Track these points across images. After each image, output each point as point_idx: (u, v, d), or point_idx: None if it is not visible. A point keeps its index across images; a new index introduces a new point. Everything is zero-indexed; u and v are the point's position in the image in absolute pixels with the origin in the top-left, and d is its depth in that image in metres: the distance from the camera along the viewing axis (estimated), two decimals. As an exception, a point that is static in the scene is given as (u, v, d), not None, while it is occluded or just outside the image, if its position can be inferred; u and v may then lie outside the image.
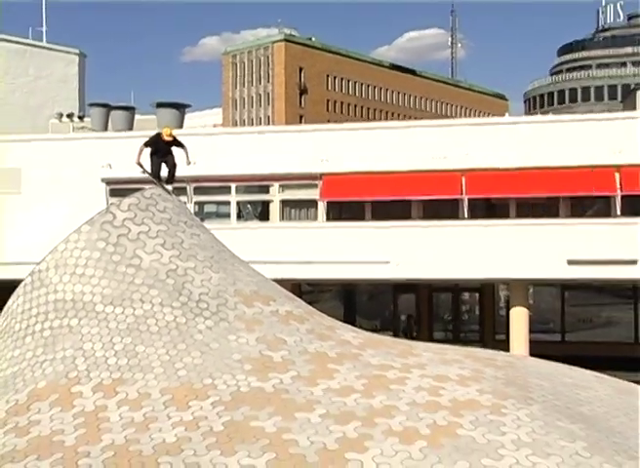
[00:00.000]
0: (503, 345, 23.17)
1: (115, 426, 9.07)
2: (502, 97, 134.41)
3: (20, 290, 11.62)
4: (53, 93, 45.64)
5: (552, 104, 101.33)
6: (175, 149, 13.59)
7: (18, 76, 44.47)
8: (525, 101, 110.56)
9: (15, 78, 44.32)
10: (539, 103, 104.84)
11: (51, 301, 11.20)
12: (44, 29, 48.07)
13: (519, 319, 24.32)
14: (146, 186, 13.42)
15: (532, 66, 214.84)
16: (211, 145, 25.31)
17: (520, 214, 24.03)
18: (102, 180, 25.63)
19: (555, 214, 23.62)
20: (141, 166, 13.41)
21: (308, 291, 30.39)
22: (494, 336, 28.77)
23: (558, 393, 10.05)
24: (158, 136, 13.41)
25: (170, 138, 13.34)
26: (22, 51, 45.15)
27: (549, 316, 29.89)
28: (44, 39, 47.64)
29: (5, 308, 11.73)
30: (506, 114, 42.74)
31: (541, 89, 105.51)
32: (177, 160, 13.60)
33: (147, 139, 13.45)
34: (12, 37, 45.12)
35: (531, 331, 24.64)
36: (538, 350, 22.12)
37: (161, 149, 13.34)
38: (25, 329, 11.11)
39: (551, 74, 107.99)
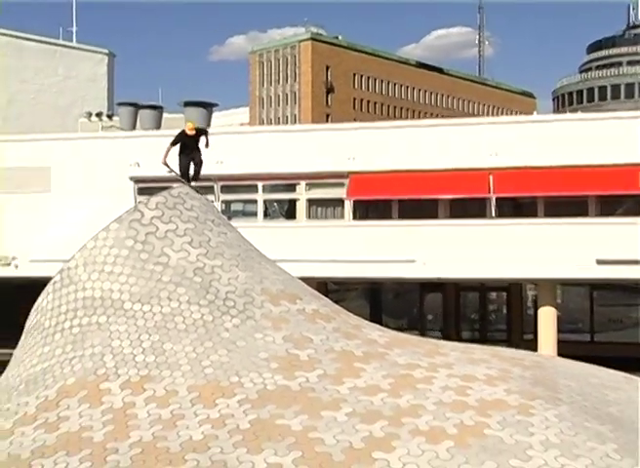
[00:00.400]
0: (531, 345, 23.00)
1: (143, 423, 9.12)
2: (530, 96, 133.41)
3: (49, 287, 11.73)
4: (82, 92, 46.06)
5: (581, 102, 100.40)
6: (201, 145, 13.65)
7: (48, 76, 44.94)
8: (553, 99, 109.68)
9: (45, 78, 44.79)
10: (567, 101, 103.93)
11: (80, 299, 11.30)
12: (74, 29, 48.56)
13: (547, 319, 24.13)
14: (174, 185, 13.51)
15: (560, 64, 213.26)
16: (238, 144, 25.40)
17: (548, 214, 23.84)
18: (131, 179, 25.82)
19: (584, 213, 23.40)
20: (168, 165, 13.50)
21: (334, 289, 30.38)
22: (521, 336, 28.57)
23: (586, 394, 9.95)
24: (182, 132, 13.50)
25: (193, 132, 13.41)
26: (52, 51, 45.62)
27: (578, 316, 29.61)
28: (74, 39, 48.11)
29: (35, 305, 11.85)
30: (534, 112, 42.49)
31: (570, 86, 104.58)
32: (204, 157, 13.66)
33: (173, 138, 13.53)
34: (42, 37, 45.61)
35: (559, 331, 24.44)
36: (566, 350, 21.91)
37: (187, 146, 13.42)
38: (55, 326, 11.21)
39: (580, 72, 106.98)
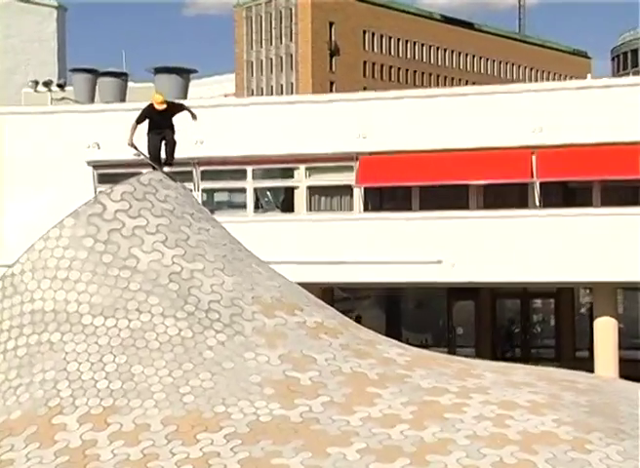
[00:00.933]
0: (586, 364, 22.98)
1: (107, 466, 9.15)
2: (584, 55, 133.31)
3: (-11, 298, 11.77)
4: (25, 55, 46.05)
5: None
6: (175, 120, 13.64)
7: (-19, 36, 44.96)
8: (612, 59, 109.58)
9: (-23, 38, 44.81)
10: (630, 61, 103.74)
11: (27, 312, 11.32)
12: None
13: (606, 332, 24.14)
14: (143, 170, 13.52)
15: (622, 15, 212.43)
16: (221, 120, 25.41)
17: (606, 202, 23.84)
18: (89, 164, 25.85)
19: (650, 201, 23.41)
20: (135, 147, 13.50)
21: (342, 297, 30.41)
22: (574, 353, 28.56)
23: (656, 424, 9.98)
24: (150, 106, 13.45)
25: (163, 106, 13.34)
26: (-13, 4, 45.58)
27: (644, 328, 29.61)
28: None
29: (-28, 321, 11.88)
30: (588, 76, 42.37)
31: (634, 43, 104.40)
32: (177, 136, 13.66)
33: (139, 114, 13.53)
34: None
35: (620, 347, 24.46)
36: (629, 370, 21.92)
37: (156, 123, 13.38)
38: (-3, 346, 11.25)
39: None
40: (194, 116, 13.68)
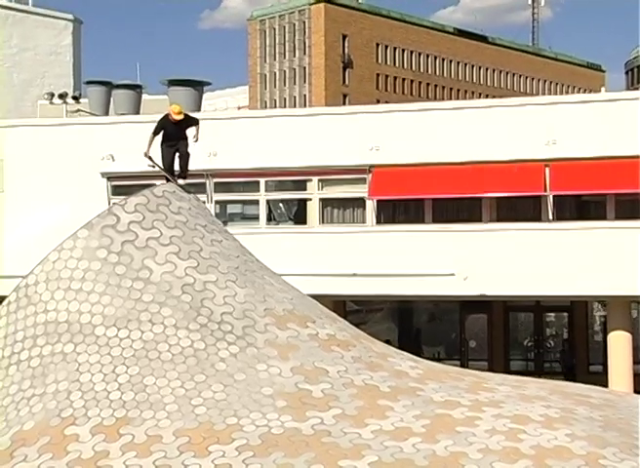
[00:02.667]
0: (600, 378, 22.86)
1: (119, 476, 9.16)
2: (598, 68, 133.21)
3: (2, 309, 11.79)
4: (41, 68, 46.30)
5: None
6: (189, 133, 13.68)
7: (-2, 48, 45.23)
8: (627, 72, 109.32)
9: (-6, 50, 45.09)
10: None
11: (40, 323, 11.34)
12: (30, -10, 48.77)
13: (620, 346, 24.02)
14: (157, 182, 13.55)
15: (636, 28, 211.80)
16: (235, 132, 25.46)
17: (620, 216, 23.75)
18: (103, 175, 25.92)
19: (665, 215, 23.31)
20: (151, 158, 13.55)
21: (355, 310, 30.38)
22: (587, 368, 28.43)
23: (670, 439, 9.91)
24: (166, 117, 13.48)
25: (180, 117, 13.36)
26: (3, 16, 45.84)
27: (658, 342, 29.45)
28: (30, 1, 48.32)
29: (-16, 331, 11.91)
30: (602, 89, 42.38)
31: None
32: (191, 148, 13.69)
33: (155, 125, 13.56)
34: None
35: (635, 362, 24.33)
36: (643, 385, 21.82)
37: (171, 134, 13.42)
38: (9, 357, 11.26)
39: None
40: (196, 138, 13.66)
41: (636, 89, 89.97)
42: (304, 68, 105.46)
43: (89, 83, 35.71)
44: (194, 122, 13.75)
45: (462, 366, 24.77)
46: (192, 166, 13.93)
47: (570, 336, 29.96)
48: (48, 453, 9.76)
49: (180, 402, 10.14)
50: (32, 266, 11.95)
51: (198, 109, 32.54)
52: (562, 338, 29.28)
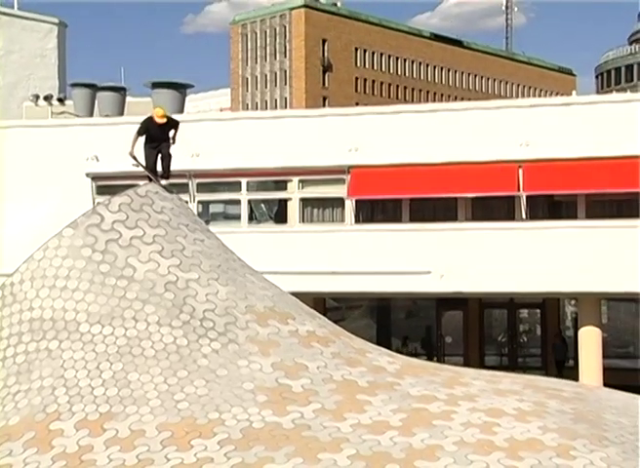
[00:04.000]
0: (571, 373, 22.99)
1: (103, 469, 9.12)
2: (569, 73, 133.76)
3: (-12, 306, 11.73)
4: (27, 70, 46.02)
5: (631, 80, 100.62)
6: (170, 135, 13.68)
7: (-17, 51, 44.95)
8: (597, 77, 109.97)
9: (-20, 53, 44.80)
10: (614, 79, 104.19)
11: (26, 320, 11.29)
12: (15, -7, 48.46)
13: (590, 341, 24.14)
14: (140, 182, 13.51)
15: (606, 34, 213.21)
16: (217, 133, 25.42)
17: (590, 215, 23.87)
18: (87, 175, 25.81)
19: (634, 214, 23.43)
20: (135, 158, 13.52)
21: (334, 307, 30.38)
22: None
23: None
24: (150, 119, 13.51)
25: (163, 121, 13.40)
26: (-11, 20, 45.56)
27: (627, 338, 29.63)
28: (15, 5, 48.02)
29: (-29, 329, 11.84)
30: (574, 92, 42.53)
31: (617, 61, 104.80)
32: (173, 149, 13.68)
33: (139, 126, 13.55)
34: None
35: (604, 357, 24.45)
36: (613, 379, 21.91)
37: (154, 136, 13.42)
38: (-4, 353, 11.20)
39: (630, 43, 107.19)
40: (173, 140, 13.72)
41: (606, 92, 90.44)
42: (285, 71, 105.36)
43: (74, 85, 35.49)
44: (175, 124, 13.79)
45: (439, 361, 24.83)
46: (175, 166, 13.90)
47: (542, 332, 30.10)
48: (33, 448, 9.72)
49: (163, 397, 10.12)
50: (18, 265, 11.89)
51: (181, 111, 32.43)
52: (554, 332, 29.29)
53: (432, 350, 30.06)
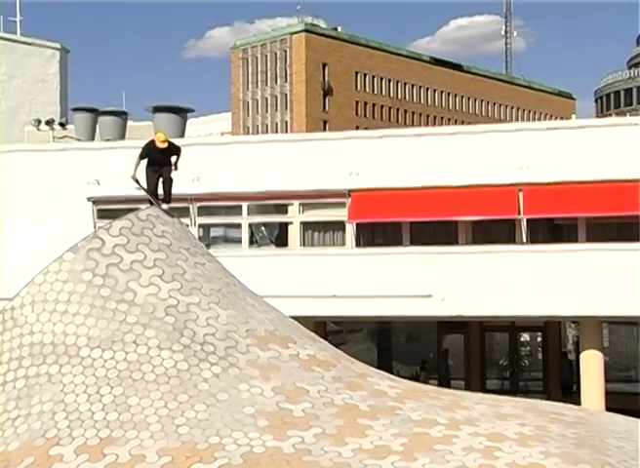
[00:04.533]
0: (573, 397, 22.90)
1: (103, 495, 9.08)
2: (569, 96, 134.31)
3: (-11, 331, 11.71)
4: (29, 95, 46.22)
5: (630, 103, 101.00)
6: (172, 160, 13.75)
7: (-15, 75, 45.16)
8: (596, 100, 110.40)
9: (-18, 78, 45.02)
10: (613, 102, 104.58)
11: (26, 345, 11.27)
12: (18, 19, 48.77)
13: (592, 365, 24.06)
14: (141, 206, 13.52)
15: (605, 58, 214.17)
16: (218, 157, 25.46)
17: (591, 238, 23.87)
18: (89, 200, 25.83)
19: (635, 238, 23.44)
20: (137, 181, 13.56)
21: (335, 330, 30.31)
22: (561, 386, 28.47)
23: (641, 455, 9.91)
24: (151, 143, 13.57)
25: (164, 145, 13.48)
26: (-9, 45, 45.80)
27: (629, 362, 29.54)
28: (18, 31, 48.32)
29: (-29, 353, 11.81)
30: (573, 116, 42.71)
31: (617, 85, 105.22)
32: (174, 173, 13.73)
33: (141, 150, 13.61)
34: (-23, 28, 45.85)
35: (606, 381, 24.37)
36: (615, 403, 21.83)
37: (156, 160, 13.48)
38: (-4, 377, 11.17)
39: (629, 67, 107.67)
40: (175, 167, 13.79)
41: (605, 116, 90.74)
42: (286, 95, 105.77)
43: (75, 110, 35.61)
44: (177, 150, 13.85)
45: (440, 385, 24.74)
46: (176, 190, 13.93)
47: (543, 356, 30.02)
48: (33, 473, 9.67)
49: (164, 421, 10.08)
50: (19, 289, 11.88)
51: (182, 135, 32.52)
52: (559, 356, 29.21)
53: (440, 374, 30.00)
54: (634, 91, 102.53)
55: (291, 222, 25.53)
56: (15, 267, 23.44)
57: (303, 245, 25.45)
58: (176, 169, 13.79)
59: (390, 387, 11.16)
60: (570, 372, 28.21)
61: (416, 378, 27.26)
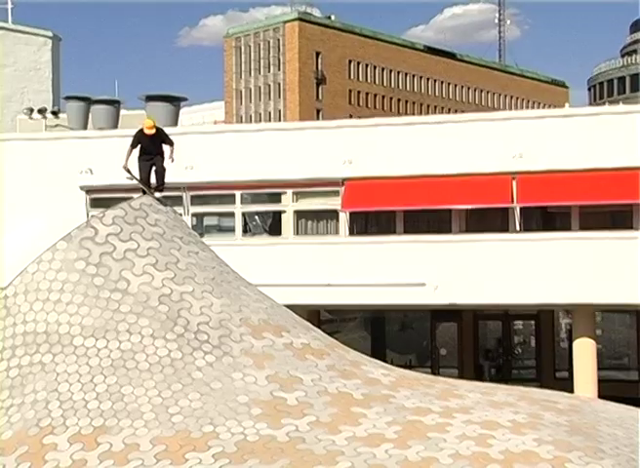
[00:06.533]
0: (566, 385, 22.96)
1: (97, 484, 9.08)
2: (562, 85, 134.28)
3: (-18, 320, 11.69)
4: (21, 83, 46.05)
5: (623, 92, 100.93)
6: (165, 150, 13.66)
7: (-23, 64, 44.97)
8: (589, 89, 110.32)
9: (-26, 67, 44.83)
10: (606, 91, 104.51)
11: (19, 334, 11.25)
12: (9, 7, 48.54)
13: (585, 353, 24.14)
14: (134, 195, 13.49)
15: (598, 46, 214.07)
16: (211, 146, 25.42)
17: (584, 226, 23.90)
18: (82, 188, 25.78)
19: (628, 226, 23.48)
20: (129, 170, 13.50)
21: (329, 319, 30.34)
22: (554, 374, 28.53)
23: (635, 444, 9.94)
24: (140, 131, 13.46)
25: (152, 131, 13.33)
26: (-18, 33, 45.61)
27: (622, 349, 29.63)
28: (9, 18, 48.09)
29: (-35, 342, 11.80)
30: (566, 105, 42.73)
31: (610, 73, 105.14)
32: (167, 162, 13.67)
33: (132, 139, 13.52)
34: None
35: (599, 368, 24.46)
36: (608, 391, 21.91)
37: (147, 148, 13.38)
38: (-11, 367, 11.15)
39: (622, 55, 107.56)
40: (171, 158, 13.63)
41: (599, 104, 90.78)
42: (279, 84, 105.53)
43: (68, 98, 35.46)
44: (169, 142, 13.69)
45: (433, 373, 24.79)
46: (169, 179, 13.89)
47: (537, 344, 30.09)
48: (26, 462, 9.67)
49: (157, 410, 10.08)
50: (11, 278, 11.86)
51: (175, 124, 32.42)
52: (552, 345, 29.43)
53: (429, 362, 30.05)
54: (627, 79, 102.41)
55: (284, 211, 25.53)
56: (7, 256, 23.38)
57: (297, 233, 25.45)
58: (172, 161, 13.67)
59: (384, 375, 11.18)
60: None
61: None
